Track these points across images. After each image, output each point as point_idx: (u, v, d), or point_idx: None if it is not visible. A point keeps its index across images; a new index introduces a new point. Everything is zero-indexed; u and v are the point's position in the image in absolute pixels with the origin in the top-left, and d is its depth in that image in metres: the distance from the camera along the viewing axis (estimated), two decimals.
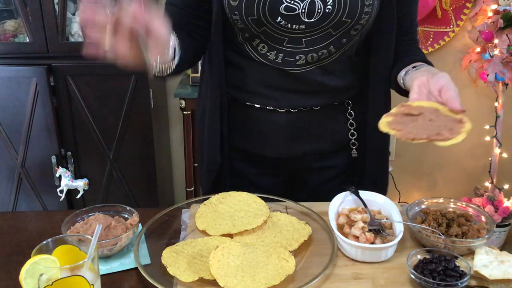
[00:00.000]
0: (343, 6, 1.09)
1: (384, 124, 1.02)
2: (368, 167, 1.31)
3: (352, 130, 1.31)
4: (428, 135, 0.96)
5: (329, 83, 1.22)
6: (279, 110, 1.24)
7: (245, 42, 1.19)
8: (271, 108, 1.25)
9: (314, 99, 1.24)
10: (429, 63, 1.18)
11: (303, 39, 1.14)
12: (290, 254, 0.99)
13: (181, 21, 1.20)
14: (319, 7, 1.09)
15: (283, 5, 1.09)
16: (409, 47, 1.26)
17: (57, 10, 2.06)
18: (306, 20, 1.10)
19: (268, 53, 1.18)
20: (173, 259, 0.99)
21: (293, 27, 1.12)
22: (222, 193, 1.20)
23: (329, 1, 1.09)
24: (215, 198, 1.19)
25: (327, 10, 1.09)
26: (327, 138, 1.30)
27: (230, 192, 1.20)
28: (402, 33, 1.24)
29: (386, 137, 1.32)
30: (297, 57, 1.17)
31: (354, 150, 1.32)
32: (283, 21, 1.11)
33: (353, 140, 1.32)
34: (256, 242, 1.06)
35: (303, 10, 1.09)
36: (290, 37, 1.14)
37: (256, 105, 1.26)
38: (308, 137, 1.28)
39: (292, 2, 1.09)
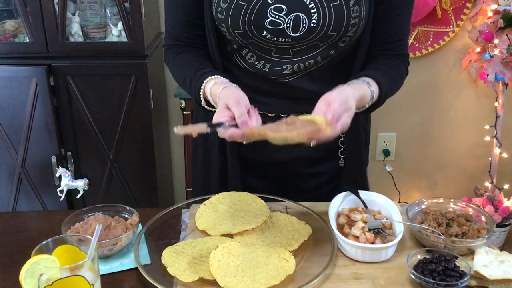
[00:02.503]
0: (328, 20, 1.08)
1: None
2: (345, 176, 1.30)
3: (342, 138, 1.28)
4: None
5: (317, 90, 1.19)
6: (269, 115, 1.24)
7: (234, 52, 1.20)
8: (260, 112, 1.25)
9: (303, 106, 1.21)
10: (382, 79, 1.13)
11: (290, 50, 1.14)
12: (290, 254, 0.99)
13: (187, 35, 1.23)
14: (304, 22, 1.08)
15: (268, 20, 1.09)
16: (379, 59, 1.22)
17: (57, 10, 2.06)
18: (292, 34, 1.10)
19: (256, 63, 1.18)
20: (173, 259, 0.99)
21: (280, 40, 1.12)
22: (222, 193, 1.20)
23: (313, 16, 1.08)
24: (215, 198, 1.19)
25: (312, 24, 1.09)
26: (316, 145, 1.26)
27: (230, 192, 1.20)
28: (379, 42, 1.20)
29: (361, 147, 1.32)
30: (284, 67, 1.17)
31: (342, 159, 1.30)
32: (269, 35, 1.11)
33: (342, 148, 1.30)
34: (256, 242, 1.06)
35: (287, 25, 1.09)
36: (278, 48, 1.14)
37: None
38: (297, 143, 1.26)
39: (277, 16, 1.08)
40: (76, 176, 2.26)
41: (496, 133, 2.43)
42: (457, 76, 2.57)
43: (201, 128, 0.98)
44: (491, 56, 2.27)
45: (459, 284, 0.91)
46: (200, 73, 1.15)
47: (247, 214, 1.13)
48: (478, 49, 2.38)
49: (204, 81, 1.13)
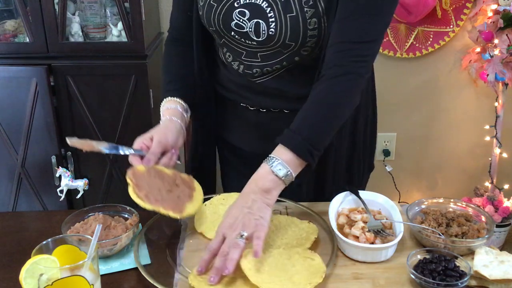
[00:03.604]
0: (284, 30, 1.09)
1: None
2: (325, 180, 1.29)
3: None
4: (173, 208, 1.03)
5: (289, 90, 1.21)
6: (250, 108, 1.28)
7: (219, 47, 1.25)
8: (243, 105, 1.29)
9: (281, 102, 1.24)
10: (298, 136, 1.06)
11: (258, 54, 1.17)
12: (313, 252, 0.99)
13: (185, 29, 1.28)
14: (263, 29, 1.11)
15: (234, 22, 1.13)
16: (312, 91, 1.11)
17: (57, 10, 2.06)
18: (255, 38, 1.13)
19: (232, 63, 1.23)
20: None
21: (247, 42, 1.15)
22: (224, 193, 1.20)
23: (271, 24, 1.10)
24: (216, 199, 1.19)
25: (270, 32, 1.11)
26: None
27: (232, 193, 1.20)
28: (335, 42, 1.07)
29: (357, 155, 1.32)
30: (254, 70, 1.20)
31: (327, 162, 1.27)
32: (237, 36, 1.15)
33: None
34: (266, 245, 1.04)
35: (250, 29, 1.12)
36: (248, 51, 1.17)
37: (233, 101, 1.31)
38: None
39: (241, 20, 1.12)
40: (76, 176, 2.26)
41: (496, 133, 2.43)
42: (457, 76, 2.57)
43: (97, 147, 1.11)
44: (491, 56, 2.27)
45: (459, 284, 0.91)
46: (166, 89, 1.26)
47: None
48: (478, 49, 2.38)
49: (164, 100, 1.24)
